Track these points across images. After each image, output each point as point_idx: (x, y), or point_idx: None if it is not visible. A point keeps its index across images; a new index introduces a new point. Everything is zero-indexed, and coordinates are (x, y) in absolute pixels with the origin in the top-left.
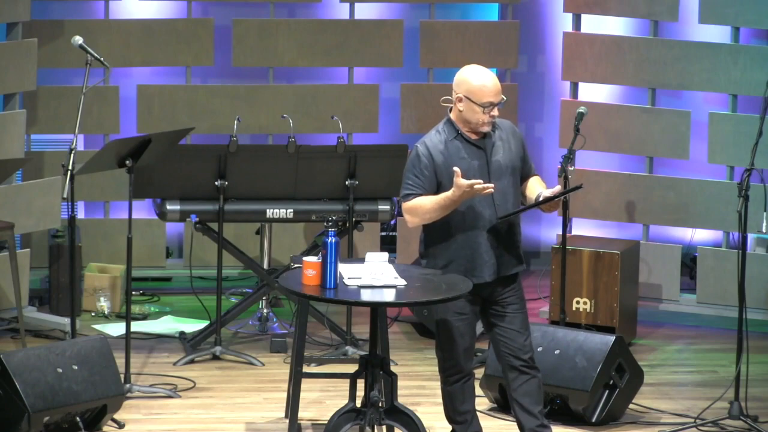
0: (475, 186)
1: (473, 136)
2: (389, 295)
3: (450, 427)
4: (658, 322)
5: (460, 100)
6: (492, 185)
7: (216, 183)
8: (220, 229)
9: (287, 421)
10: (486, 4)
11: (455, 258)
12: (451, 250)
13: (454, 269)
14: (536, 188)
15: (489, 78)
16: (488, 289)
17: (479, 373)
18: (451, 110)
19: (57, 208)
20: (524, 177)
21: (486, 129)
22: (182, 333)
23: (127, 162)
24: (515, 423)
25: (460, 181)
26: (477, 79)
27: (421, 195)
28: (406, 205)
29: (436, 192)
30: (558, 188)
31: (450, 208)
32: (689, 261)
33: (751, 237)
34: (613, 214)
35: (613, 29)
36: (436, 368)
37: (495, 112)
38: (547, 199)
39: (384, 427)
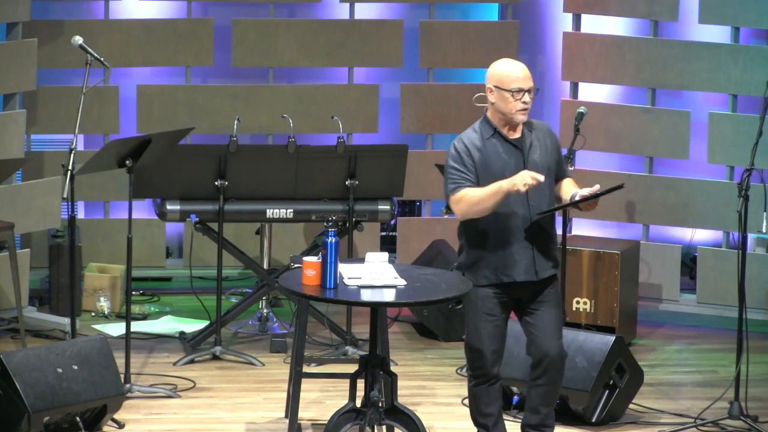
0: (526, 178)
1: (510, 135)
2: (389, 295)
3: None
4: (658, 322)
5: (491, 91)
6: (541, 175)
7: (216, 183)
8: (220, 229)
9: (287, 421)
10: (486, 4)
11: (487, 255)
12: (484, 248)
13: (485, 266)
14: (570, 189)
15: (516, 65)
16: (523, 290)
17: None
18: (487, 109)
19: (57, 208)
20: (558, 178)
21: (521, 117)
22: (182, 333)
23: (127, 162)
24: (516, 423)
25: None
26: (504, 67)
27: (468, 186)
28: (455, 196)
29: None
30: (597, 187)
31: (500, 198)
32: (689, 261)
33: (751, 237)
34: (613, 214)
35: (613, 29)
36: (436, 368)
37: (527, 98)
38: (586, 198)
39: (384, 427)
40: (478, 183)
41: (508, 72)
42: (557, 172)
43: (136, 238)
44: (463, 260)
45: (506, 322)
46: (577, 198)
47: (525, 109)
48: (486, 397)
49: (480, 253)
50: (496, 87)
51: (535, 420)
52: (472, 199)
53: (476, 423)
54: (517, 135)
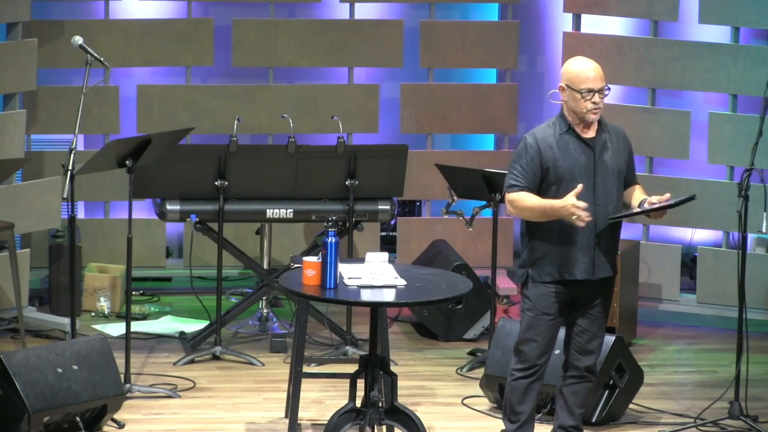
0: (576, 207)
1: (585, 133)
2: (389, 295)
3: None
4: (658, 322)
5: (563, 89)
6: (587, 216)
7: (216, 183)
8: (220, 229)
9: (287, 421)
10: (486, 4)
11: (551, 251)
12: (549, 245)
13: (548, 262)
14: (639, 195)
15: (588, 65)
16: (581, 289)
17: (479, 373)
18: (563, 107)
19: (57, 208)
20: (627, 184)
21: (592, 117)
22: (182, 333)
23: (127, 162)
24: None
25: (571, 197)
26: (575, 67)
27: (525, 188)
28: (510, 196)
29: (539, 185)
30: (667, 195)
31: (549, 217)
32: (689, 261)
33: (751, 237)
34: None
35: (613, 29)
36: (436, 368)
37: (596, 98)
38: (658, 208)
39: (384, 427)
40: (546, 178)
41: (578, 72)
42: (626, 177)
43: (136, 238)
44: (527, 257)
45: (559, 325)
46: (645, 205)
47: (596, 109)
48: (522, 395)
49: (544, 250)
50: (567, 86)
51: (570, 422)
52: (523, 207)
53: (506, 418)
54: (591, 134)
